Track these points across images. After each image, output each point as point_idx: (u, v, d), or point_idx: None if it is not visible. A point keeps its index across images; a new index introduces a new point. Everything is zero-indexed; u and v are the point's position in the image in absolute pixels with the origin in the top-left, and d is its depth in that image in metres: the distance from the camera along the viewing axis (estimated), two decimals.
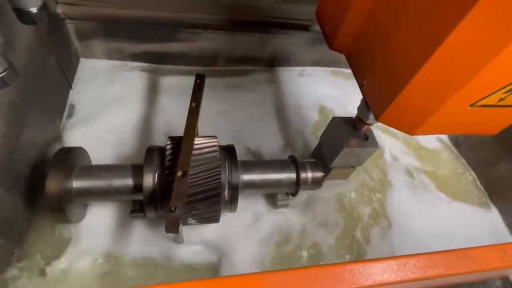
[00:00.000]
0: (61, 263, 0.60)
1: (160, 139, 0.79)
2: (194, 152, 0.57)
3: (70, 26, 0.83)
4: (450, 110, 0.43)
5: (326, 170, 0.73)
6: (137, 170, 0.61)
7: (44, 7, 0.47)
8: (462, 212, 0.86)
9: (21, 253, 0.59)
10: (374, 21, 0.50)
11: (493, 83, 0.40)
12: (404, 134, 0.50)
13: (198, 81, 0.67)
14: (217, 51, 0.97)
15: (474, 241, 0.80)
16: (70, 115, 0.80)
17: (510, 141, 0.86)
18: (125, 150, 0.76)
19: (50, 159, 0.58)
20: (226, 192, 0.61)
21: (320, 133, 0.77)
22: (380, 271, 0.40)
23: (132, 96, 0.87)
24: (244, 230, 0.70)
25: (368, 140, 0.67)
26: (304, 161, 0.70)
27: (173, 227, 0.47)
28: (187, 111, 0.61)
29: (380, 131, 0.96)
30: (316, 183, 0.69)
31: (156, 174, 0.58)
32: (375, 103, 0.52)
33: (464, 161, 0.98)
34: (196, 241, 0.67)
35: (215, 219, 0.61)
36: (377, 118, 0.50)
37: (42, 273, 0.58)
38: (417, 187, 0.87)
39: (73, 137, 0.75)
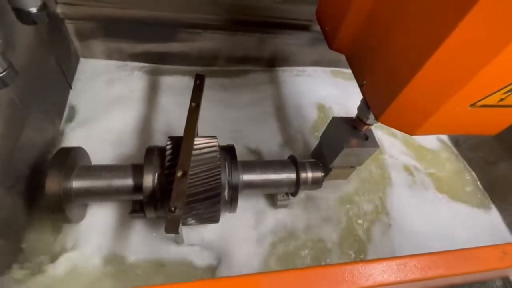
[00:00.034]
0: (61, 264, 0.60)
1: (160, 139, 0.79)
2: (194, 152, 0.57)
3: (69, 26, 0.83)
4: (450, 110, 0.43)
5: (326, 170, 0.73)
6: (137, 170, 0.61)
7: (43, 7, 0.47)
8: (462, 212, 0.86)
9: (21, 253, 0.59)
10: (374, 21, 0.49)
11: (493, 83, 0.40)
12: (404, 134, 0.50)
13: (198, 81, 0.67)
14: (217, 51, 0.97)
15: (474, 241, 0.80)
16: (70, 115, 0.80)
17: (510, 141, 0.86)
18: (125, 150, 0.76)
19: (50, 159, 0.58)
20: (226, 192, 0.61)
21: (320, 133, 0.77)
22: (380, 272, 0.40)
23: (132, 96, 0.87)
24: (244, 231, 0.70)
25: (368, 140, 0.67)
26: (304, 161, 0.70)
27: (173, 228, 0.47)
28: (187, 111, 0.61)
29: (380, 131, 0.96)
30: (316, 183, 0.69)
31: (156, 174, 0.58)
32: (375, 103, 0.52)
33: (464, 161, 0.98)
34: (196, 241, 0.67)
35: (215, 219, 0.61)
36: (377, 118, 0.50)
37: (42, 273, 0.58)
38: (417, 187, 0.87)
39: (73, 137, 0.75)
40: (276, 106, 0.95)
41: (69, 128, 0.77)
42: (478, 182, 0.94)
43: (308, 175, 0.68)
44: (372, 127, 0.67)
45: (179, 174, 0.53)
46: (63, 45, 0.82)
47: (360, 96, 0.59)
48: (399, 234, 0.77)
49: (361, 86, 0.55)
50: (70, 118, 0.79)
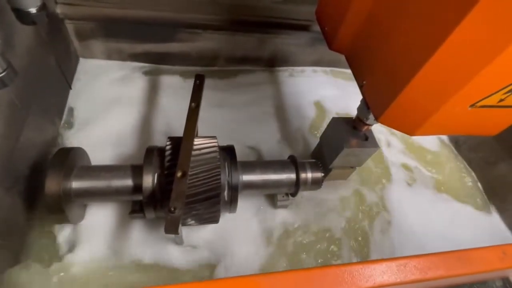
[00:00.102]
0: (60, 264, 0.60)
1: (160, 139, 0.79)
2: (193, 152, 0.57)
3: (69, 26, 0.83)
4: (450, 111, 0.43)
5: (326, 170, 0.73)
6: (136, 171, 0.60)
7: (43, 7, 0.46)
8: (462, 212, 0.86)
9: (21, 253, 0.59)
10: (374, 21, 0.49)
11: (493, 84, 0.40)
12: (404, 134, 0.50)
13: (198, 81, 0.67)
14: (217, 51, 0.97)
15: (474, 241, 0.80)
16: (69, 115, 0.80)
17: (510, 141, 0.86)
18: (124, 150, 0.76)
19: (50, 159, 0.58)
20: (225, 193, 0.61)
21: (319, 133, 0.77)
22: (380, 273, 0.40)
23: (132, 96, 0.87)
24: (244, 231, 0.70)
25: (368, 140, 0.67)
26: (303, 161, 0.70)
27: (172, 228, 0.47)
28: (187, 111, 0.61)
29: (380, 130, 0.96)
30: (316, 184, 0.69)
31: (156, 174, 0.58)
32: (375, 104, 0.51)
33: (464, 161, 0.98)
34: (195, 242, 0.67)
35: (214, 219, 0.61)
36: (377, 119, 0.50)
37: (42, 273, 0.58)
38: (417, 187, 0.87)
39: (73, 137, 0.75)
40: (276, 106, 0.95)
41: (68, 128, 0.77)
42: (478, 182, 0.94)
43: (308, 175, 0.68)
44: (372, 127, 0.67)
45: (179, 174, 0.53)
46: (63, 45, 0.82)
47: (360, 96, 0.59)
48: (398, 233, 0.77)
49: (361, 87, 0.55)
50: (70, 118, 0.79)
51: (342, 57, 0.59)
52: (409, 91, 0.43)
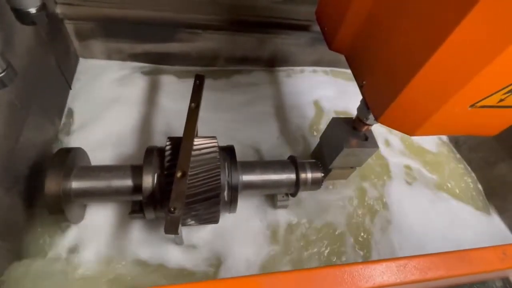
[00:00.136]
0: (60, 264, 0.60)
1: (160, 140, 0.79)
2: (193, 152, 0.57)
3: (69, 26, 0.83)
4: (450, 111, 0.43)
5: (326, 170, 0.73)
6: (136, 171, 0.60)
7: (43, 7, 0.46)
8: (462, 212, 0.86)
9: (20, 253, 0.59)
10: (374, 21, 0.49)
11: (493, 84, 0.40)
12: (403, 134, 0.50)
13: (198, 81, 0.67)
14: (217, 51, 0.97)
15: (474, 242, 0.80)
16: (69, 115, 0.80)
17: (510, 141, 0.86)
18: (124, 150, 0.76)
19: (49, 159, 0.58)
20: (225, 193, 0.61)
21: (319, 133, 0.77)
22: (380, 273, 0.40)
23: (132, 96, 0.87)
24: (244, 231, 0.70)
25: (368, 140, 0.67)
26: (303, 161, 0.70)
27: (172, 228, 0.47)
28: (187, 112, 0.61)
29: (380, 130, 0.96)
30: (316, 184, 0.69)
31: (156, 174, 0.58)
32: (374, 104, 0.51)
33: (464, 161, 0.98)
34: (196, 242, 0.67)
35: (214, 220, 0.61)
36: (376, 119, 0.50)
37: (42, 273, 0.58)
38: (416, 187, 0.87)
39: (72, 137, 0.75)
40: (276, 106, 0.95)
41: (68, 128, 0.77)
42: (478, 183, 0.94)
43: (308, 175, 0.68)
44: (372, 127, 0.67)
45: (179, 174, 0.53)
46: (63, 45, 0.82)
47: (360, 97, 0.59)
48: (398, 232, 0.77)
49: (360, 87, 0.54)
50: (70, 118, 0.79)
51: (342, 57, 0.59)
52: (409, 91, 0.43)
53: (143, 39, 0.90)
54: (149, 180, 0.57)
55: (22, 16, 0.45)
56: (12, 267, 0.57)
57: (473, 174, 0.95)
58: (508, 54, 0.35)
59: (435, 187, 0.89)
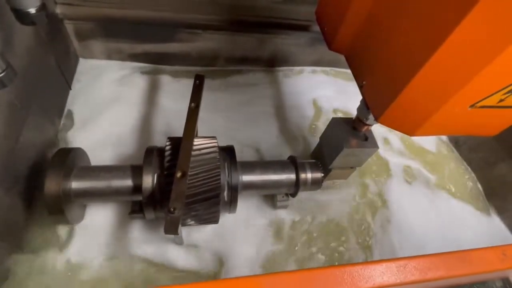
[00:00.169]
0: (60, 264, 0.60)
1: (160, 140, 0.79)
2: (193, 153, 0.57)
3: (69, 27, 0.83)
4: (450, 111, 0.43)
5: (326, 170, 0.73)
6: (136, 171, 0.60)
7: (42, 7, 0.46)
8: (462, 212, 0.86)
9: (20, 254, 0.59)
10: (374, 21, 0.49)
11: (493, 84, 0.40)
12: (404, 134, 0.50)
13: (198, 81, 0.67)
14: (216, 51, 0.97)
15: (474, 242, 0.80)
16: (69, 115, 0.80)
17: (510, 142, 0.86)
18: (124, 150, 0.76)
19: (49, 159, 0.58)
20: (225, 193, 0.61)
21: (319, 133, 0.77)
22: (380, 273, 0.40)
23: (132, 96, 0.87)
24: (244, 231, 0.70)
25: (368, 140, 0.67)
26: (303, 161, 0.70)
27: (172, 228, 0.47)
28: (187, 112, 0.61)
29: (379, 130, 0.96)
30: (316, 184, 0.69)
31: (155, 175, 0.58)
32: (374, 104, 0.51)
33: (464, 161, 0.98)
34: (196, 242, 0.67)
35: (214, 220, 0.61)
36: (376, 119, 0.50)
37: (42, 274, 0.58)
38: (416, 187, 0.87)
39: (72, 137, 0.75)
40: (275, 106, 0.95)
41: (68, 128, 0.77)
42: (478, 183, 0.94)
43: (308, 175, 0.68)
44: (372, 126, 0.67)
45: (179, 174, 0.53)
46: (63, 45, 0.82)
47: (360, 97, 0.59)
48: (398, 232, 0.77)
49: (360, 87, 0.54)
50: (70, 119, 0.79)
51: (342, 57, 0.59)
52: (409, 91, 0.43)
53: (143, 39, 0.90)
54: (149, 180, 0.57)
55: (21, 16, 0.45)
56: (12, 267, 0.57)
57: (473, 174, 0.95)
58: (508, 54, 0.35)
59: (435, 187, 0.89)
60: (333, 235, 0.73)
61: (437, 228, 0.80)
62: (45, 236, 0.62)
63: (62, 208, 0.55)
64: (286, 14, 0.90)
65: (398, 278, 0.40)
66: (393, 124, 0.49)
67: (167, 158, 0.58)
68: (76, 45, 0.88)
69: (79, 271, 0.60)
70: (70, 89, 0.84)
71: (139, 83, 0.90)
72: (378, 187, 0.84)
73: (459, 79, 0.39)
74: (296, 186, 0.68)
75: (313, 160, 0.71)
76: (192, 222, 0.60)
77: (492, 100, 0.43)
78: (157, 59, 0.95)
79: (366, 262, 0.41)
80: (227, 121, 0.87)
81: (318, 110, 0.97)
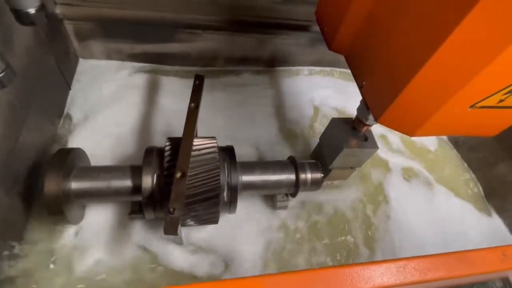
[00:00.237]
0: (60, 264, 0.59)
1: (159, 140, 0.79)
2: (193, 153, 0.57)
3: (69, 27, 0.83)
4: (450, 111, 0.43)
5: (326, 171, 0.73)
6: (136, 171, 0.60)
7: (42, 8, 0.46)
8: (462, 212, 0.86)
9: (20, 254, 0.59)
10: (374, 21, 0.49)
11: (493, 84, 0.40)
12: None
13: (197, 82, 0.67)
14: (216, 52, 0.97)
15: (473, 242, 0.80)
16: (68, 115, 0.79)
17: (510, 142, 0.86)
18: (124, 150, 0.76)
19: (49, 160, 0.58)
20: (225, 193, 0.61)
21: (319, 134, 0.77)
22: (380, 274, 0.40)
23: (131, 96, 0.87)
24: (244, 231, 0.70)
25: (368, 141, 0.67)
26: (303, 162, 0.70)
27: (172, 229, 0.47)
28: (186, 112, 0.61)
29: (379, 130, 0.96)
30: (316, 184, 0.69)
31: (155, 175, 0.58)
32: (374, 104, 0.51)
33: (464, 161, 0.98)
34: (196, 242, 0.67)
35: (214, 220, 0.61)
36: (376, 119, 0.50)
37: (41, 274, 0.58)
38: (416, 187, 0.87)
39: (72, 137, 0.75)
40: (275, 106, 0.95)
41: (68, 128, 0.77)
42: (478, 183, 0.94)
43: (308, 176, 0.68)
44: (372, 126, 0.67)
45: (178, 175, 0.52)
46: (62, 45, 0.82)
47: (360, 97, 0.59)
48: (398, 232, 0.77)
49: (360, 87, 0.54)
50: (69, 119, 0.79)
51: (342, 58, 0.59)
52: (409, 92, 0.42)
53: (142, 39, 0.90)
54: (148, 181, 0.57)
55: (21, 16, 0.45)
56: (11, 268, 0.57)
57: (473, 174, 0.95)
58: (508, 54, 0.35)
59: (435, 187, 0.88)
60: (334, 235, 0.73)
61: (437, 228, 0.80)
62: (45, 236, 0.62)
63: (62, 209, 0.55)
64: (285, 14, 0.90)
65: (398, 279, 0.40)
66: (393, 125, 0.49)
67: (166, 159, 0.58)
68: (76, 45, 0.88)
69: (79, 271, 0.60)
70: (70, 89, 0.84)
71: (139, 83, 0.90)
72: (377, 187, 0.84)
73: (459, 79, 0.39)
74: (296, 187, 0.68)
75: (313, 161, 0.71)
76: (192, 223, 0.60)
77: (492, 101, 0.43)
78: (157, 59, 0.95)
79: (365, 262, 0.40)
80: (226, 121, 0.87)
81: (318, 110, 0.97)
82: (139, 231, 0.65)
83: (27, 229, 0.61)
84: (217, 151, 0.59)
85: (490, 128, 0.51)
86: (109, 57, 0.92)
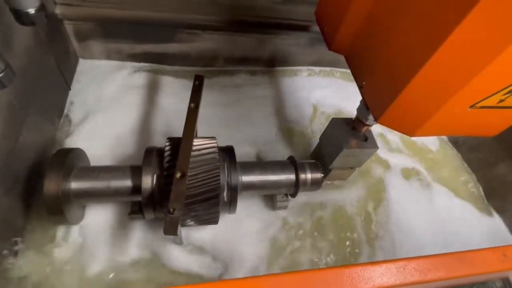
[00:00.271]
0: (60, 265, 0.59)
1: (159, 140, 0.79)
2: (193, 153, 0.57)
3: (68, 27, 0.83)
4: (449, 111, 0.43)
5: (326, 171, 0.73)
6: (135, 171, 0.60)
7: (42, 8, 0.46)
8: (462, 212, 0.86)
9: (20, 255, 0.59)
10: (374, 21, 0.49)
11: (493, 85, 0.40)
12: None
13: (197, 82, 0.67)
14: (216, 52, 0.97)
15: (474, 242, 0.80)
16: (68, 116, 0.79)
17: (510, 142, 0.86)
18: (124, 151, 0.76)
19: (48, 160, 0.58)
20: (225, 193, 0.61)
21: (319, 134, 0.77)
22: (380, 275, 0.40)
23: (131, 96, 0.87)
24: (244, 231, 0.70)
25: (368, 141, 0.67)
26: (303, 162, 0.70)
27: (171, 229, 0.47)
28: (186, 112, 0.61)
29: (379, 130, 0.96)
30: (316, 184, 0.69)
31: (155, 175, 0.58)
32: (374, 104, 0.51)
33: (464, 161, 0.98)
34: (196, 242, 0.67)
35: (214, 220, 0.60)
36: (376, 120, 0.50)
37: (41, 274, 0.58)
38: (416, 186, 0.87)
39: (72, 138, 0.75)
40: (275, 106, 0.95)
41: (68, 129, 0.77)
42: (478, 183, 0.94)
43: (308, 176, 0.68)
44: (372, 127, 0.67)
45: (178, 175, 0.52)
46: (62, 45, 0.82)
47: (360, 97, 0.59)
48: (398, 232, 0.77)
49: (360, 87, 0.54)
50: (69, 119, 0.79)
51: (342, 58, 0.59)
52: (409, 92, 0.42)
53: (142, 39, 0.90)
54: (148, 181, 0.57)
55: (21, 16, 0.45)
56: (11, 268, 0.57)
57: (473, 174, 0.95)
58: (508, 54, 0.35)
59: (435, 187, 0.88)
60: (334, 235, 0.73)
61: (437, 228, 0.80)
62: (45, 236, 0.62)
63: (62, 209, 0.55)
64: (285, 15, 0.90)
65: (398, 279, 0.40)
66: (393, 125, 0.49)
67: (166, 159, 0.58)
68: (75, 45, 0.88)
69: (79, 272, 0.59)
70: (70, 89, 0.84)
71: (139, 83, 0.90)
72: (377, 187, 0.84)
73: (459, 79, 0.39)
74: (295, 187, 0.68)
75: (313, 161, 0.71)
76: (192, 223, 0.60)
77: (492, 101, 0.43)
78: (157, 60, 0.95)
79: (365, 263, 0.40)
80: (226, 121, 0.87)
81: (318, 110, 0.97)
82: (139, 231, 0.65)
83: (27, 229, 0.61)
84: (217, 151, 0.59)
85: (490, 128, 0.51)
86: (109, 57, 0.92)
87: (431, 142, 1.00)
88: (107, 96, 0.85)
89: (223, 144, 0.66)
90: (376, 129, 0.84)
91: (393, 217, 0.79)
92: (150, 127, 0.82)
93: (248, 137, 0.85)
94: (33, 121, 0.63)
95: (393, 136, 0.96)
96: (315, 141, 0.81)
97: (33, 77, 0.64)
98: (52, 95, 0.76)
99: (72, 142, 0.74)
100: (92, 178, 0.59)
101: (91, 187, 0.59)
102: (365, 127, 0.65)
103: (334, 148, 0.68)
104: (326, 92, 1.02)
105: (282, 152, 0.84)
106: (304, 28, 0.95)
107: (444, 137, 1.04)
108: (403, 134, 0.49)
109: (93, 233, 0.64)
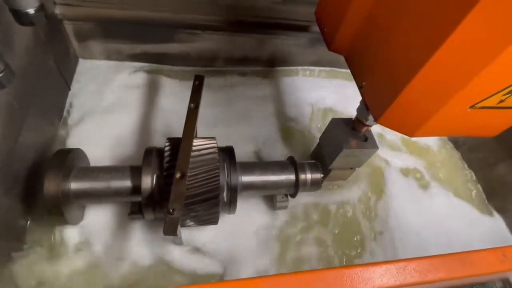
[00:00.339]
0: (59, 265, 0.59)
1: (159, 140, 0.79)
2: (192, 153, 0.57)
3: (68, 27, 0.83)
4: (449, 112, 0.43)
5: (326, 171, 0.73)
6: (135, 172, 0.60)
7: (41, 8, 0.46)
8: (462, 212, 0.86)
9: (19, 255, 0.59)
10: (374, 21, 0.49)
11: (493, 85, 0.40)
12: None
13: (197, 82, 0.67)
14: (216, 52, 0.97)
15: (474, 242, 0.80)
16: (68, 116, 0.79)
17: (510, 142, 0.85)
18: (123, 151, 0.76)
19: (48, 160, 0.58)
20: (225, 194, 0.61)
21: (319, 134, 0.77)
22: (379, 275, 0.40)
23: (131, 97, 0.87)
24: (243, 231, 0.70)
25: (368, 141, 0.67)
26: (303, 162, 0.70)
27: (171, 230, 0.47)
28: (186, 112, 0.61)
29: (379, 130, 0.96)
30: (315, 185, 0.69)
31: (155, 175, 0.58)
32: (374, 105, 0.51)
33: (464, 162, 0.98)
34: (196, 242, 0.66)
35: (214, 221, 0.60)
36: (376, 120, 0.50)
37: (41, 274, 0.58)
38: (416, 187, 0.87)
39: (72, 138, 0.75)
40: (275, 106, 0.95)
41: (67, 129, 0.77)
42: (478, 183, 0.94)
43: (307, 176, 0.68)
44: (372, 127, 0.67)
45: (178, 175, 0.52)
46: (62, 46, 0.82)
47: (359, 97, 0.58)
48: (398, 232, 0.77)
49: (360, 87, 0.54)
50: (69, 119, 0.79)
51: (342, 58, 0.59)
52: (409, 92, 0.42)
53: (142, 39, 0.90)
54: (148, 181, 0.57)
55: (20, 16, 0.45)
56: (11, 268, 0.57)
57: (473, 175, 0.95)
58: (508, 54, 0.35)
59: (435, 187, 0.88)
60: (334, 235, 0.73)
61: (437, 228, 0.80)
62: (45, 236, 0.62)
63: (61, 209, 0.55)
64: (285, 15, 0.89)
65: (398, 280, 0.40)
66: (392, 125, 0.49)
67: (166, 159, 0.58)
68: (75, 45, 0.88)
69: (78, 272, 0.59)
70: (70, 89, 0.84)
71: (139, 83, 0.90)
72: (377, 187, 0.84)
73: (459, 79, 0.39)
74: (295, 187, 0.68)
75: (313, 161, 0.71)
76: (192, 223, 0.60)
77: (492, 101, 0.43)
78: (157, 60, 0.95)
79: (365, 264, 0.40)
80: (226, 121, 0.87)
81: (318, 110, 0.97)
82: (138, 232, 0.65)
83: (27, 230, 0.61)
84: (216, 151, 0.59)
85: (490, 129, 0.51)
86: (109, 57, 0.92)
87: (431, 142, 1.00)
88: (106, 96, 0.85)
89: (222, 144, 0.66)
90: (376, 129, 0.84)
91: (393, 217, 0.79)
92: (150, 127, 0.81)
93: (248, 137, 0.85)
94: (33, 121, 0.63)
95: (393, 136, 0.96)
96: (315, 141, 0.81)
97: (33, 77, 0.64)
98: (52, 95, 0.76)
99: (71, 142, 0.74)
100: (92, 179, 0.59)
101: (91, 188, 0.59)
102: (365, 128, 0.65)
103: (334, 148, 0.68)
104: (326, 92, 1.02)
105: (281, 152, 0.84)
106: (304, 28, 0.94)
107: (444, 137, 1.04)
108: (402, 134, 0.49)
109: (93, 233, 0.64)
